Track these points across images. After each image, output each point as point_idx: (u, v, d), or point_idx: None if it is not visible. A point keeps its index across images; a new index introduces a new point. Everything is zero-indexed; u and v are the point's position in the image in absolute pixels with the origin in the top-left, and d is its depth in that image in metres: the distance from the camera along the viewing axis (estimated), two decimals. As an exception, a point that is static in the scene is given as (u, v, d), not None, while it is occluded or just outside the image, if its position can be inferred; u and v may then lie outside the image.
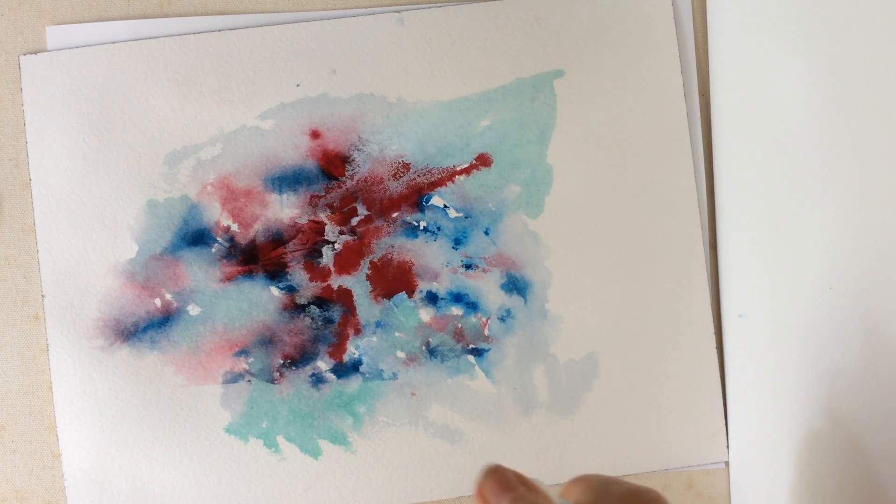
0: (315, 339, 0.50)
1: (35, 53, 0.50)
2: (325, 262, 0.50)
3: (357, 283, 0.50)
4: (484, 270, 0.50)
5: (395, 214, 0.50)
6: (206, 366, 0.49)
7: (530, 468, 0.50)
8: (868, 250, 0.47)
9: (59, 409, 0.49)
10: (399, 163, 0.50)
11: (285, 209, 0.50)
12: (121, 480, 0.49)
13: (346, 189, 0.50)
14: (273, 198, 0.50)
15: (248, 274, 0.49)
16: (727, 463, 0.51)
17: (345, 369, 0.50)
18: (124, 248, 0.49)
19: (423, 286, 0.50)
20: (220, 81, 0.50)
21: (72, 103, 0.49)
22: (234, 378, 0.49)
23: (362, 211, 0.50)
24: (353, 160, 0.50)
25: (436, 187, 0.50)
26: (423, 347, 0.50)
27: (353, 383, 0.50)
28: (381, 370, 0.50)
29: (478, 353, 0.50)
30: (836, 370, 0.48)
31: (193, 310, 0.49)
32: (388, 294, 0.50)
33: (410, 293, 0.50)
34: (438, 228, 0.50)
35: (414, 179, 0.50)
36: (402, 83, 0.50)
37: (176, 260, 0.49)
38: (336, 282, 0.50)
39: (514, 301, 0.50)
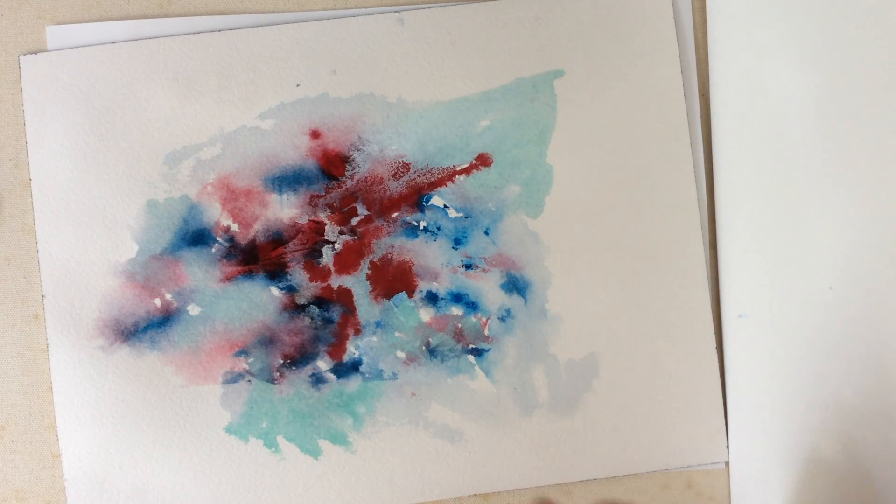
0: (315, 339, 0.50)
1: (35, 53, 0.50)
2: (325, 262, 0.50)
3: (357, 283, 0.50)
4: (484, 270, 0.50)
5: (395, 214, 0.50)
6: (206, 366, 0.49)
7: (530, 468, 0.50)
8: (868, 250, 0.47)
9: (59, 409, 0.49)
10: (399, 163, 0.50)
11: (285, 209, 0.50)
12: (121, 480, 0.49)
13: (346, 189, 0.50)
14: (273, 198, 0.50)
15: (248, 274, 0.49)
16: (727, 463, 0.51)
17: (345, 369, 0.50)
18: (124, 248, 0.49)
19: (423, 286, 0.50)
20: (220, 81, 0.50)
21: (72, 103, 0.49)
22: (234, 378, 0.49)
23: (362, 211, 0.50)
24: (353, 160, 0.50)
25: (436, 187, 0.50)
26: (423, 347, 0.50)
27: (353, 383, 0.50)
28: (381, 370, 0.50)
29: (478, 353, 0.50)
30: (836, 370, 0.48)
31: (193, 310, 0.49)
32: (388, 294, 0.50)
33: (410, 293, 0.50)
34: (438, 228, 0.50)
35: (414, 179, 0.50)
36: (402, 83, 0.50)
37: (176, 260, 0.49)
38: (336, 282, 0.50)
39: (514, 301, 0.50)
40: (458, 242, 0.50)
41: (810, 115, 0.48)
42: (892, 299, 0.47)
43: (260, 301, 0.49)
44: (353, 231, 0.50)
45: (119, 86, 0.49)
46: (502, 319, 0.50)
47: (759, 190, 0.49)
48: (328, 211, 0.50)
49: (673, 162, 0.51)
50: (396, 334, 0.50)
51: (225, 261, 0.49)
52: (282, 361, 0.49)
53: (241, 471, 0.49)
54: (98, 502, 0.48)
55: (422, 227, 0.50)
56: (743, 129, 0.50)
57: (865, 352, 0.47)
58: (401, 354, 0.50)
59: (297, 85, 0.50)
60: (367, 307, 0.50)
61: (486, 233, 0.50)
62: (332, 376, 0.49)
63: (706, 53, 0.52)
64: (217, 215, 0.50)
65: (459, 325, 0.50)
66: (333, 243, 0.50)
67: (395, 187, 0.50)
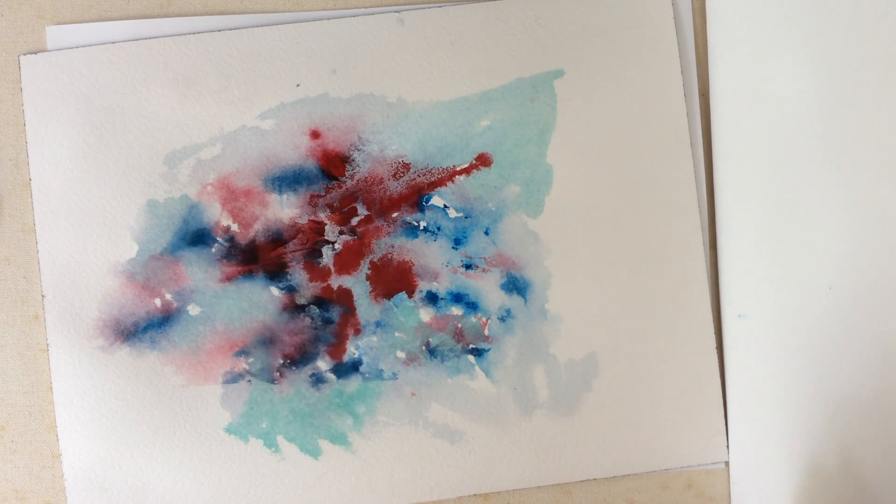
0: (315, 339, 0.50)
1: (35, 53, 0.50)
2: (325, 262, 0.50)
3: (357, 283, 0.50)
4: (484, 270, 0.50)
5: (395, 214, 0.50)
6: (207, 366, 0.49)
7: (530, 468, 0.50)
8: (868, 250, 0.47)
9: (59, 409, 0.49)
10: (399, 163, 0.50)
11: (285, 209, 0.50)
12: (121, 480, 0.49)
13: (346, 189, 0.50)
14: (273, 198, 0.50)
15: (248, 274, 0.49)
16: (727, 463, 0.51)
17: (345, 369, 0.50)
18: (124, 248, 0.49)
19: (423, 286, 0.50)
20: (220, 81, 0.50)
21: (72, 103, 0.49)
22: (234, 378, 0.49)
23: (362, 211, 0.50)
24: (353, 160, 0.50)
25: (436, 187, 0.50)
26: (423, 347, 0.50)
27: (353, 383, 0.50)
28: (381, 370, 0.50)
29: (478, 353, 0.50)
30: (836, 370, 0.48)
31: (193, 310, 0.49)
32: (388, 294, 0.50)
33: (410, 293, 0.50)
34: (438, 228, 0.50)
35: (414, 179, 0.50)
36: (402, 83, 0.50)
37: (176, 260, 0.49)
38: (336, 282, 0.50)
39: (514, 301, 0.50)
40: (458, 242, 0.50)
41: (810, 115, 0.48)
42: (892, 299, 0.47)
43: (260, 301, 0.49)
44: (353, 231, 0.50)
45: (119, 86, 0.49)
46: (502, 319, 0.50)
47: (759, 190, 0.49)
48: (328, 211, 0.50)
49: (673, 162, 0.51)
50: (396, 334, 0.50)
51: (225, 261, 0.49)
52: (282, 361, 0.49)
53: (241, 471, 0.49)
54: (98, 502, 0.48)
55: (422, 227, 0.50)
56: (743, 128, 0.50)
57: (865, 351, 0.47)
58: (401, 354, 0.50)
59: (297, 85, 0.50)
60: (367, 307, 0.50)
61: (486, 233, 0.50)
62: (332, 376, 0.49)
63: (706, 53, 0.52)
64: (217, 215, 0.50)
65: (459, 325, 0.50)
66: (333, 243, 0.50)
67: (395, 187, 0.50)
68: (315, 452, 0.49)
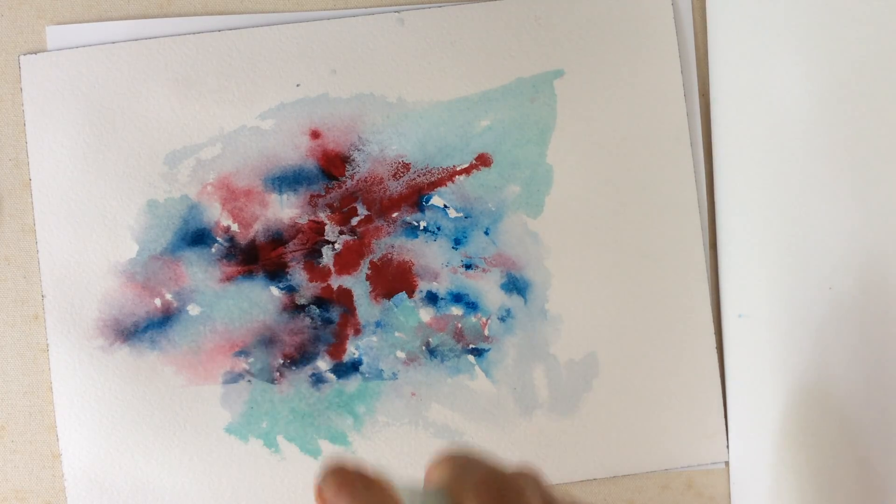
0: (315, 339, 0.50)
1: (35, 53, 0.50)
2: (325, 262, 0.50)
3: (357, 283, 0.50)
4: (484, 270, 0.50)
5: (395, 214, 0.50)
6: (206, 366, 0.49)
7: (530, 468, 0.50)
8: (868, 250, 0.47)
9: (59, 409, 0.49)
10: (399, 163, 0.50)
11: (285, 209, 0.50)
12: (121, 480, 0.49)
13: (346, 189, 0.50)
14: (273, 198, 0.50)
15: (248, 274, 0.49)
16: (727, 463, 0.51)
17: (345, 369, 0.50)
18: (124, 248, 0.49)
19: (423, 286, 0.50)
20: (220, 81, 0.50)
21: (72, 103, 0.49)
22: (234, 378, 0.49)
23: (362, 211, 0.50)
24: (353, 160, 0.50)
25: (436, 187, 0.50)
26: (423, 347, 0.50)
27: (353, 383, 0.50)
28: (381, 370, 0.50)
29: (478, 353, 0.50)
30: (837, 370, 0.48)
31: (193, 310, 0.49)
32: (388, 294, 0.50)
33: (410, 293, 0.50)
34: (438, 228, 0.50)
35: (414, 179, 0.50)
36: (402, 83, 0.50)
37: (176, 260, 0.49)
38: (336, 282, 0.50)
39: (514, 301, 0.50)
40: (458, 242, 0.50)
41: (811, 115, 0.48)
42: (892, 299, 0.47)
43: (260, 301, 0.49)
44: (353, 231, 0.50)
45: (119, 86, 0.49)
46: (502, 319, 0.50)
47: (760, 190, 0.49)
48: (328, 211, 0.50)
49: (673, 162, 0.51)
50: (396, 334, 0.50)
51: (225, 261, 0.49)
52: (282, 361, 0.49)
53: (240, 471, 0.49)
54: (98, 502, 0.48)
55: (422, 228, 0.50)
56: (743, 128, 0.50)
57: (866, 352, 0.47)
58: (401, 354, 0.50)
59: (297, 85, 0.50)
60: (367, 307, 0.50)
61: (486, 233, 0.50)
62: (332, 376, 0.49)
63: (706, 53, 0.52)
64: (217, 215, 0.50)
65: (459, 325, 0.50)
66: (333, 243, 0.50)
67: (395, 187, 0.50)
68: (315, 452, 0.49)
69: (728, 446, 0.50)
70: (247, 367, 0.49)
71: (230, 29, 0.50)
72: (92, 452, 0.49)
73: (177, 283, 0.49)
